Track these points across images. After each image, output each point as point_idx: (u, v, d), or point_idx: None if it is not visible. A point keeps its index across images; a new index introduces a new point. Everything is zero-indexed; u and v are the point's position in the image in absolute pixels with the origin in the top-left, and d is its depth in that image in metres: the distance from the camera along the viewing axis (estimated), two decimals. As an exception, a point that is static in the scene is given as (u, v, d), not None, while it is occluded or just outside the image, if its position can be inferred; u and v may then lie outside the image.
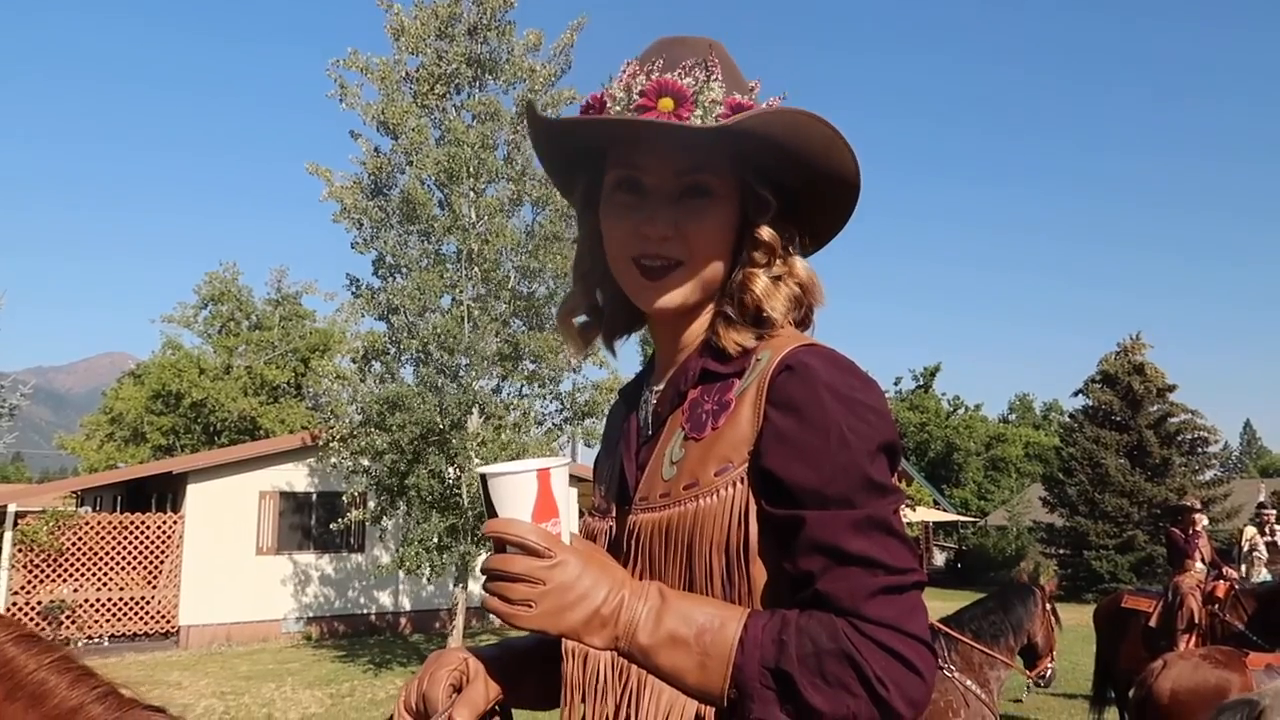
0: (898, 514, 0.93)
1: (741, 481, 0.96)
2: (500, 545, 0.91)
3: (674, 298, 1.05)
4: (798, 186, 1.07)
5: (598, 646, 0.91)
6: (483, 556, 10.27)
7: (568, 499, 0.94)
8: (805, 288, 1.09)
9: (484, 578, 0.94)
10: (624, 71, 1.04)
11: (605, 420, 1.31)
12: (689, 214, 1.03)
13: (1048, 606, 5.39)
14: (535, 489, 0.91)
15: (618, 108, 1.01)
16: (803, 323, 1.10)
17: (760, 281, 1.05)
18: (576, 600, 0.90)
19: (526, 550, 0.89)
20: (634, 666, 0.93)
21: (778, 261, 1.07)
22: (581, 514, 1.22)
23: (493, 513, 0.91)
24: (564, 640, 0.92)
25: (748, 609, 0.93)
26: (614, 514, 1.12)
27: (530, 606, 0.89)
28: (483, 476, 0.92)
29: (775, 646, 0.87)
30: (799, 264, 1.09)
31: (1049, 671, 5.38)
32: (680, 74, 1.01)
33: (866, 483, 0.91)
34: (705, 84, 1.00)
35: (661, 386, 1.11)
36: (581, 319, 1.19)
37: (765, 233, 1.06)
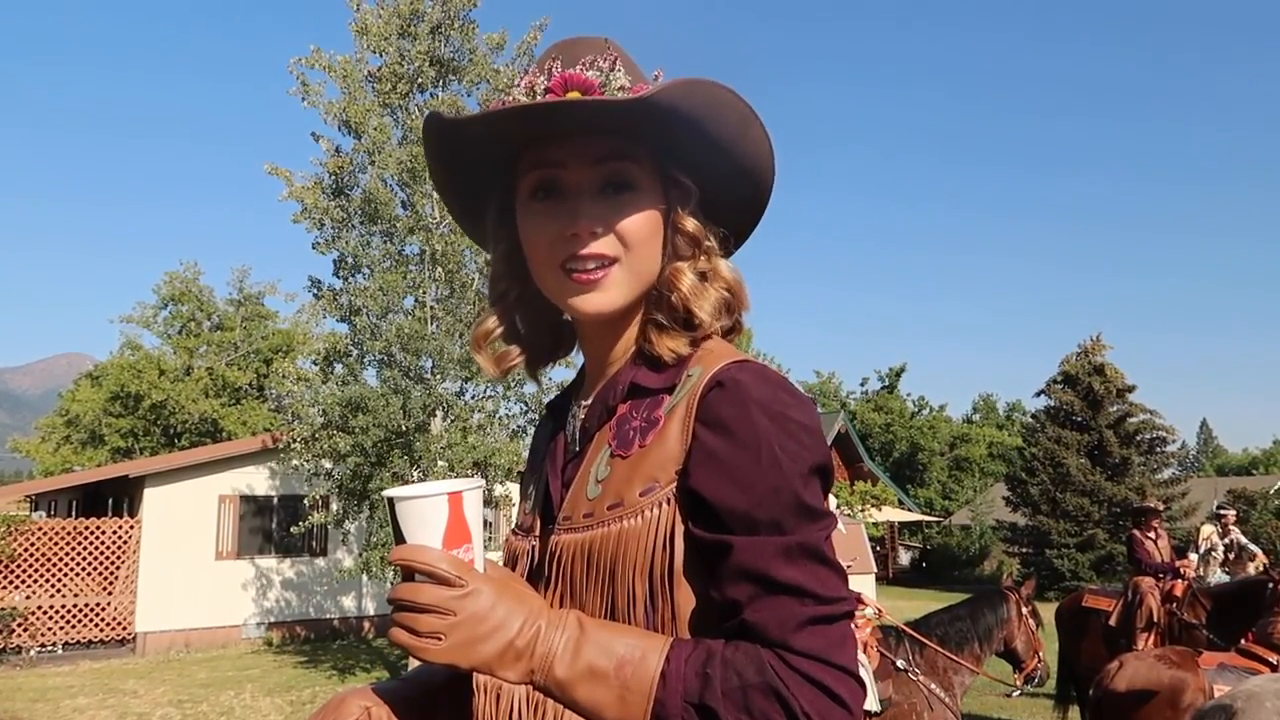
0: (829, 540, 0.89)
1: (668, 502, 0.92)
2: (409, 574, 0.85)
3: (614, 298, 1.00)
4: (713, 177, 1.03)
5: (512, 680, 0.86)
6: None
7: (482, 522, 0.89)
8: (733, 291, 1.05)
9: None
10: (523, 78, 0.99)
11: (533, 435, 1.25)
12: (614, 209, 0.98)
13: (1024, 611, 5.44)
14: (446, 513, 0.85)
15: None
16: (731, 331, 1.06)
17: (687, 279, 1.00)
18: (489, 632, 0.84)
19: (436, 579, 0.84)
20: (550, 701, 0.88)
21: (702, 257, 1.03)
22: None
23: (401, 539, 0.86)
24: (476, 674, 0.87)
25: (671, 639, 0.88)
26: (538, 533, 1.08)
27: (440, 639, 0.83)
28: (390, 500, 0.86)
29: (699, 680, 0.83)
30: (723, 265, 1.06)
31: (1038, 673, 5.44)
32: (582, 68, 0.97)
33: (798, 506, 0.87)
34: (610, 73, 0.97)
35: (590, 401, 1.07)
36: (499, 345, 1.13)
37: (689, 223, 1.02)
